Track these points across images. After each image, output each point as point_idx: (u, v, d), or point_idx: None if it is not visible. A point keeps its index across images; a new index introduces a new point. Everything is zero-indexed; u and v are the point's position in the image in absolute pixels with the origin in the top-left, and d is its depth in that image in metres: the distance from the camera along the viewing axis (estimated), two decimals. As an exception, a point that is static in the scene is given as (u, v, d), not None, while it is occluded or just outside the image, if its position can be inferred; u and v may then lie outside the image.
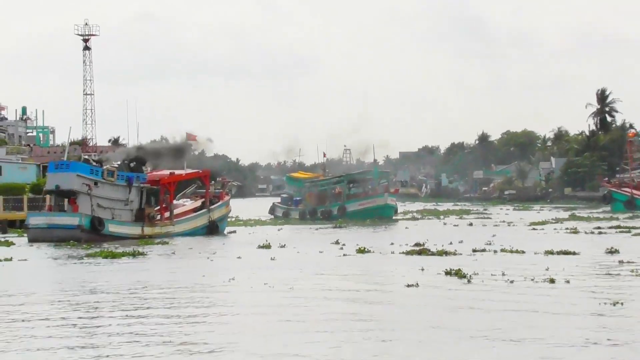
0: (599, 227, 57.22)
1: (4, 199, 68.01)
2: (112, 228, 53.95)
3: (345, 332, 18.84)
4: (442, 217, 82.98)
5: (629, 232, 52.45)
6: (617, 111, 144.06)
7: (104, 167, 56.01)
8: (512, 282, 27.08)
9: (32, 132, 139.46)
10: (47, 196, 58.27)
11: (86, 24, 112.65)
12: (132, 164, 57.71)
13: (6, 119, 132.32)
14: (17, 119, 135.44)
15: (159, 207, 58.04)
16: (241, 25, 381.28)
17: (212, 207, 61.73)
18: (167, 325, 20.02)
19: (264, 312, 22.00)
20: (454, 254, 38.02)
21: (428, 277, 29.03)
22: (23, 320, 21.46)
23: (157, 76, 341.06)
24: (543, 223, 65.05)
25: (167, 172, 60.29)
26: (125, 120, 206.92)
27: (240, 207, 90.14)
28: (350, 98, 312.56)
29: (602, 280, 28.04)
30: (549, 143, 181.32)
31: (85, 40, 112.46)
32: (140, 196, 56.50)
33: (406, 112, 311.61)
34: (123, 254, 40.40)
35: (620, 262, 33.13)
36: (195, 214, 60.97)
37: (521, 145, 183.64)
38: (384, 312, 21.94)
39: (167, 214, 58.35)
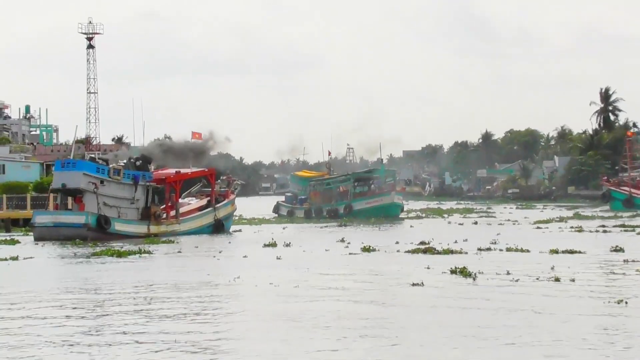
0: (603, 226, 57.32)
1: (8, 197, 68.12)
2: (118, 226, 54.08)
3: (349, 333, 18.83)
4: (445, 215, 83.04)
5: (634, 230, 52.58)
6: (620, 110, 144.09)
7: (110, 165, 56.19)
8: (517, 280, 27.17)
9: (35, 131, 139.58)
10: (51, 194, 58.31)
11: (90, 22, 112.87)
12: (138, 163, 57.86)
13: (10, 117, 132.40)
14: (21, 117, 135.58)
15: (164, 206, 58.18)
16: (245, 23, 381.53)
17: (218, 205, 61.84)
18: (170, 326, 20.03)
19: (269, 312, 22.05)
20: (460, 252, 38.15)
21: (433, 276, 29.10)
22: (28, 317, 21.58)
23: (161, 74, 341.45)
24: (548, 222, 65.15)
25: (172, 170, 60.42)
26: (128, 118, 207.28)
27: (243, 206, 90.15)
28: (354, 97, 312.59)
29: (607, 279, 28.14)
30: (553, 142, 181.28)
31: (89, 39, 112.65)
32: (146, 195, 56.64)
33: (409, 110, 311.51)
34: (129, 253, 40.55)
35: (625, 260, 33.23)
36: (200, 212, 61.08)
37: (525, 143, 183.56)
38: (389, 313, 21.96)
39: (172, 213, 58.48)
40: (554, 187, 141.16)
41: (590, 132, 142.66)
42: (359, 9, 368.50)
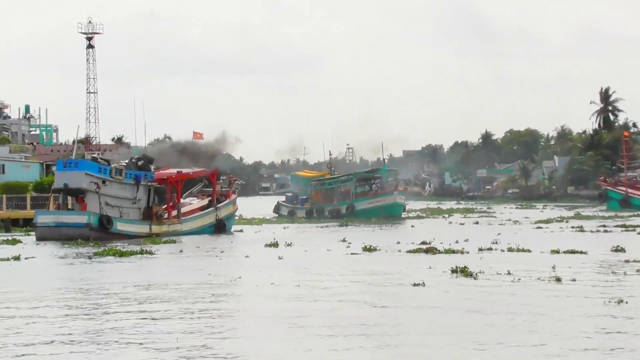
0: (604, 226, 57.44)
1: (7, 197, 68.13)
2: (120, 226, 54.16)
3: (350, 333, 18.88)
4: (446, 215, 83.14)
5: (634, 230, 52.69)
6: (620, 110, 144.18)
7: (112, 165, 56.27)
8: (518, 280, 27.25)
9: (35, 131, 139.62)
10: (51, 194, 58.33)
11: (90, 22, 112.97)
12: (139, 163, 57.95)
13: (9, 117, 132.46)
14: (21, 117, 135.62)
15: (166, 206, 58.25)
16: (245, 23, 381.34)
17: (219, 205, 61.89)
18: (171, 325, 20.09)
19: (269, 312, 22.09)
20: (461, 252, 38.25)
21: (434, 276, 29.17)
22: (29, 317, 21.66)
23: (161, 74, 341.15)
24: (548, 222, 65.26)
25: (174, 170, 60.49)
26: (127, 118, 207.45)
27: (243, 206, 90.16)
28: (354, 96, 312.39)
29: (608, 279, 28.21)
30: (553, 142, 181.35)
31: (89, 39, 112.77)
32: (147, 194, 56.72)
33: (409, 110, 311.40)
34: (131, 253, 40.63)
35: (627, 260, 33.33)
36: (202, 212, 61.13)
37: (524, 143, 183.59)
38: (390, 313, 21.99)
39: (174, 213, 58.54)
40: (554, 187, 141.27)
41: (590, 132, 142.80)
42: (359, 9, 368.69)
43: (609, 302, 22.48)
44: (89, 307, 23.42)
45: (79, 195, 54.92)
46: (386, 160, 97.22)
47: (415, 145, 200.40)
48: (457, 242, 43.61)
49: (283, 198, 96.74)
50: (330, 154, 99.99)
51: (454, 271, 29.55)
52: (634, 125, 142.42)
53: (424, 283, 26.69)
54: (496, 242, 42.88)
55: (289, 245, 44.90)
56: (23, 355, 17.05)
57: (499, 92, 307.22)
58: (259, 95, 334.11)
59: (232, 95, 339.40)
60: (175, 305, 23.50)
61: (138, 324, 20.24)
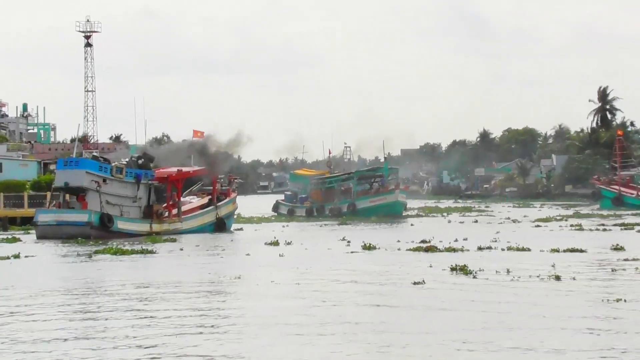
0: (603, 224, 57.57)
1: (5, 196, 68.09)
2: (120, 225, 54.22)
3: (350, 332, 18.91)
4: (444, 214, 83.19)
5: (633, 228, 52.83)
6: (617, 109, 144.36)
7: (113, 164, 56.33)
8: (517, 279, 27.31)
9: (33, 129, 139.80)
10: (51, 193, 58.29)
11: (88, 20, 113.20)
12: (140, 161, 58.02)
13: (7, 115, 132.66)
14: (18, 115, 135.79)
15: (166, 204, 58.32)
16: (244, 22, 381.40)
17: (220, 204, 61.95)
18: (172, 325, 20.09)
19: (269, 311, 22.12)
20: (461, 250, 38.37)
21: (434, 274, 29.22)
22: (29, 315, 21.72)
23: (159, 73, 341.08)
24: (547, 220, 65.42)
25: (174, 169, 60.54)
26: (125, 117, 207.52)
27: (242, 205, 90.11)
28: (353, 95, 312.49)
29: (608, 277, 28.30)
30: (550, 140, 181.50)
31: (87, 37, 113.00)
32: (148, 193, 56.80)
33: (407, 109, 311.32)
34: (131, 251, 40.71)
35: (626, 259, 33.44)
36: (202, 210, 61.17)
37: (522, 142, 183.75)
38: (390, 312, 22.00)
39: (175, 211, 58.60)
40: (552, 186, 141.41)
41: (588, 130, 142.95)
42: (358, 8, 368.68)
43: (609, 300, 22.56)
44: (89, 306, 23.47)
45: (79, 193, 54.96)
46: (383, 159, 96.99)
47: (413, 144, 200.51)
48: (456, 240, 43.71)
49: (281, 197, 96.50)
50: (329, 152, 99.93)
51: (453, 269, 29.64)
52: (632, 124, 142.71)
53: (424, 281, 26.76)
54: (496, 241, 42.99)
55: (289, 243, 44.98)
56: (23, 353, 17.11)
57: (497, 91, 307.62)
58: (258, 94, 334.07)
59: (231, 94, 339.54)
60: (175, 304, 23.53)
61: (138, 323, 20.26)
